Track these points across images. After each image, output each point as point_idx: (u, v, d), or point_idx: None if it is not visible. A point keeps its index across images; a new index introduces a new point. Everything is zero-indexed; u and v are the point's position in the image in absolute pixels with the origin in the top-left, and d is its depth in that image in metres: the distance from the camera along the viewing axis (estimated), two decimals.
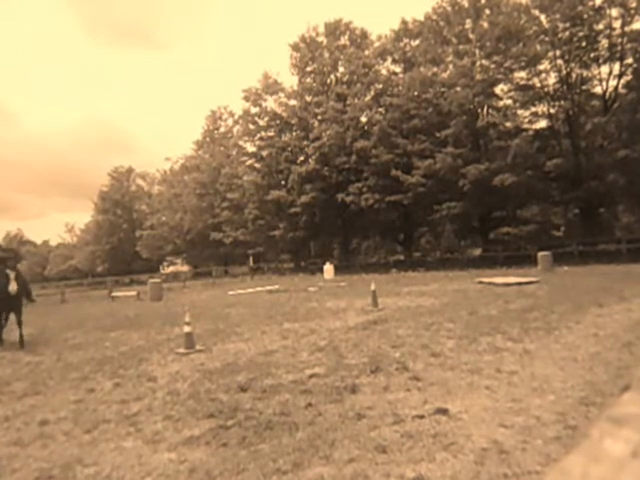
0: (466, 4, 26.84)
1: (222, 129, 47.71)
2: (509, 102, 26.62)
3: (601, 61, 23.68)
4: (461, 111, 25.72)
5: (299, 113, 33.46)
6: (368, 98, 31.41)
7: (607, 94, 24.30)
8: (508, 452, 2.81)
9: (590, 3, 22.16)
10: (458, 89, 25.74)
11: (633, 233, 26.90)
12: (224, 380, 4.94)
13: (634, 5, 21.57)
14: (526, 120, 26.46)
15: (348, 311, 9.93)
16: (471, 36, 26.60)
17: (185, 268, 51.48)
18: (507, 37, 24.14)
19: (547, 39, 23.54)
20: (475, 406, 3.60)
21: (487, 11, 26.24)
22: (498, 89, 26.60)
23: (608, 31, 22.76)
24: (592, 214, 25.14)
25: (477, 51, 26.17)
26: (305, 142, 32.28)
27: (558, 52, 23.76)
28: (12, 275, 8.29)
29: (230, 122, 46.89)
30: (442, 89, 26.92)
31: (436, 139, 26.51)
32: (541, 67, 24.67)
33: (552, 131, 25.71)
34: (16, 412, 4.45)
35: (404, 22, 31.01)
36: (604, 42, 23.09)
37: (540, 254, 18.04)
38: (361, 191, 28.32)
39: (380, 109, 30.35)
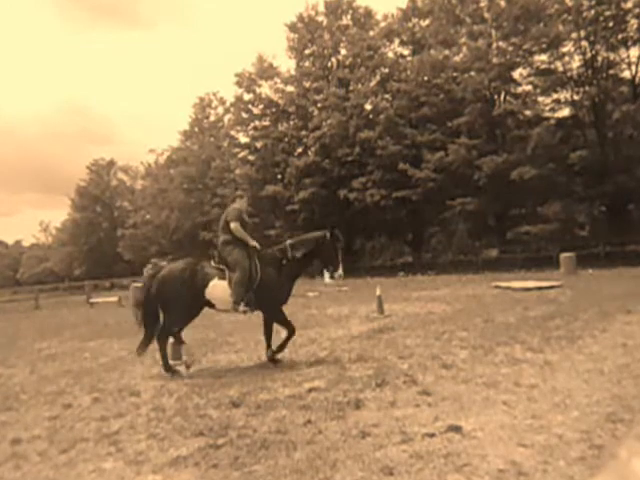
0: None
1: (212, 118, 47.72)
2: (529, 88, 26.63)
3: (630, 43, 23.68)
4: (476, 98, 25.73)
5: (297, 100, 33.47)
6: (373, 84, 31.42)
7: (636, 79, 24.30)
8: (527, 474, 2.81)
9: None
10: (472, 74, 25.75)
11: None
12: (214, 395, 4.94)
13: None
14: (547, 108, 26.45)
15: (351, 318, 9.94)
16: (486, 15, 26.60)
17: None
18: (526, 16, 24.13)
19: (570, 18, 23.52)
20: (491, 423, 3.60)
21: None
22: (516, 74, 26.61)
23: (637, 10, 22.73)
24: (620, 211, 25.14)
25: (493, 32, 26.17)
26: (304, 132, 32.31)
27: (582, 33, 23.74)
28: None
29: (221, 110, 46.94)
30: (455, 74, 26.93)
31: (448, 129, 26.52)
32: (564, 49, 24.67)
33: (576, 120, 25.70)
34: None
35: (413, 0, 31.03)
36: (633, 22, 23.09)
37: (563, 256, 18.04)
38: (365, 186, 28.33)
39: (386, 96, 30.36)
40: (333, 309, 11.77)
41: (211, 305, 6.28)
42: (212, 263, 6.33)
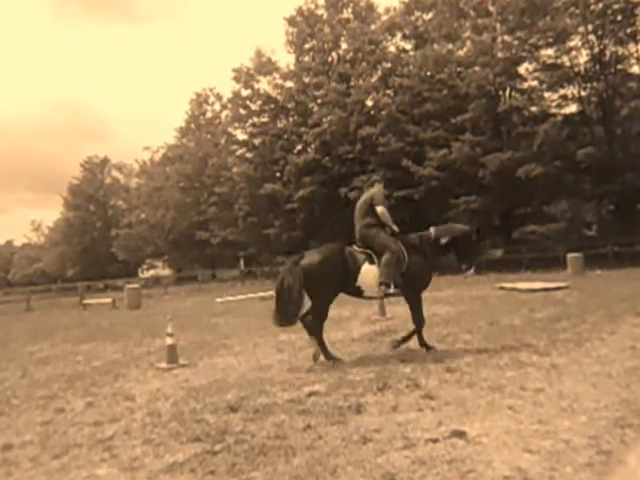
0: None
1: (209, 114, 47.77)
2: (534, 83, 26.60)
3: (639, 37, 23.68)
4: (480, 93, 25.71)
5: (296, 96, 33.46)
6: (374, 79, 31.39)
7: None
8: None
9: None
10: (477, 69, 25.72)
11: None
12: (211, 399, 4.95)
13: None
14: (554, 104, 26.44)
15: (352, 320, 9.93)
16: (491, 8, 26.59)
17: (167, 272, 51.56)
18: (532, 9, 24.11)
19: (578, 12, 23.52)
20: (496, 428, 3.60)
21: None
22: (522, 69, 26.58)
23: None
24: (629, 210, 25.13)
25: (498, 25, 26.16)
26: (303, 129, 32.28)
27: (590, 27, 23.74)
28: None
29: (218, 106, 47.01)
30: (458, 69, 26.91)
31: (452, 125, 26.49)
32: (571, 44, 24.64)
33: (583, 116, 25.69)
34: None
35: None
36: None
37: (570, 256, 18.05)
38: (367, 185, 28.28)
39: (388, 91, 30.32)
40: (333, 311, 11.64)
41: (357, 293, 6.30)
42: (356, 248, 6.35)
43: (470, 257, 6.56)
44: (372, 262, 6.15)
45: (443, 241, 6.41)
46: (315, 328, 6.16)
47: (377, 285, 6.09)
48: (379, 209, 6.33)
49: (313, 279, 5.99)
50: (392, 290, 6.13)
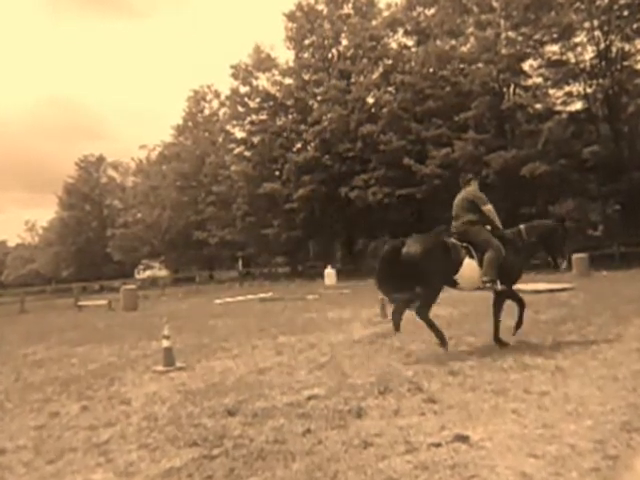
0: None
1: (206, 112, 47.82)
2: (539, 80, 26.64)
3: None
4: (484, 91, 25.73)
5: (296, 93, 33.49)
6: (376, 76, 31.44)
7: None
8: None
9: None
10: (480, 65, 25.74)
11: None
12: (209, 403, 4.94)
13: None
14: (559, 101, 26.48)
15: (353, 322, 9.93)
16: (495, 4, 26.60)
17: (164, 273, 51.55)
18: (537, 5, 24.14)
19: (583, 7, 23.54)
20: (500, 433, 3.60)
21: None
22: (526, 65, 26.63)
23: None
24: (635, 210, 25.11)
25: (502, 21, 26.18)
26: (303, 126, 32.32)
27: (596, 22, 23.77)
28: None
29: (216, 104, 47.06)
30: (461, 65, 26.94)
31: (454, 123, 26.52)
32: (576, 40, 24.68)
33: (589, 114, 25.71)
34: None
35: None
36: None
37: (575, 257, 18.02)
38: (367, 184, 28.32)
39: (389, 88, 30.38)
40: (334, 313, 11.77)
41: (453, 284, 6.49)
42: (454, 241, 6.53)
43: (558, 251, 6.96)
44: (471, 256, 6.38)
45: (532, 239, 6.72)
46: (424, 314, 6.30)
47: (480, 281, 6.33)
48: (486, 208, 6.61)
49: (419, 268, 6.15)
50: (499, 287, 6.35)
